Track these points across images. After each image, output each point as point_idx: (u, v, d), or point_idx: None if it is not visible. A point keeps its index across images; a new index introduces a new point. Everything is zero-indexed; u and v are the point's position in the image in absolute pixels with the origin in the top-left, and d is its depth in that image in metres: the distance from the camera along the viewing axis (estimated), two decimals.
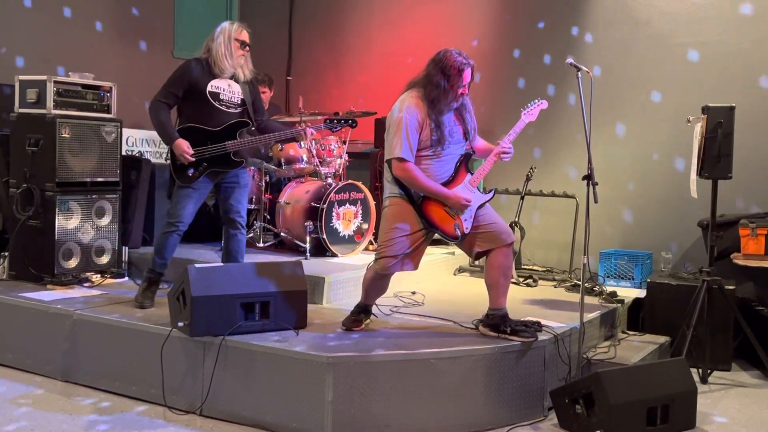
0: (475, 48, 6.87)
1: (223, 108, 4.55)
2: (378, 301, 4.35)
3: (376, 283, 4.17)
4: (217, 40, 4.54)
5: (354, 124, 4.87)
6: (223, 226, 4.74)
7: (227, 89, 4.57)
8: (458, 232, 4.03)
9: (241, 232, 4.71)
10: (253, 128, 4.66)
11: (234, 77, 4.60)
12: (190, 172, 4.52)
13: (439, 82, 3.91)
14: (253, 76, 4.70)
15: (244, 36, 4.61)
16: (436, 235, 4.10)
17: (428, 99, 3.94)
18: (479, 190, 4.09)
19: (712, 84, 5.86)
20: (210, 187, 4.64)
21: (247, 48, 4.63)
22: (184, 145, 4.45)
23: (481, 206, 4.08)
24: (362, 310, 4.27)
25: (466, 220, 4.04)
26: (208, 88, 4.51)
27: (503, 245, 4.07)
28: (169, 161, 4.59)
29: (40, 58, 6.36)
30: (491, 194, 4.16)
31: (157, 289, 4.69)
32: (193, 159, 4.47)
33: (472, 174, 4.07)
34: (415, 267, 4.12)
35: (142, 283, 4.68)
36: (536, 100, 4.20)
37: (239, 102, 4.61)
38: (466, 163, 4.09)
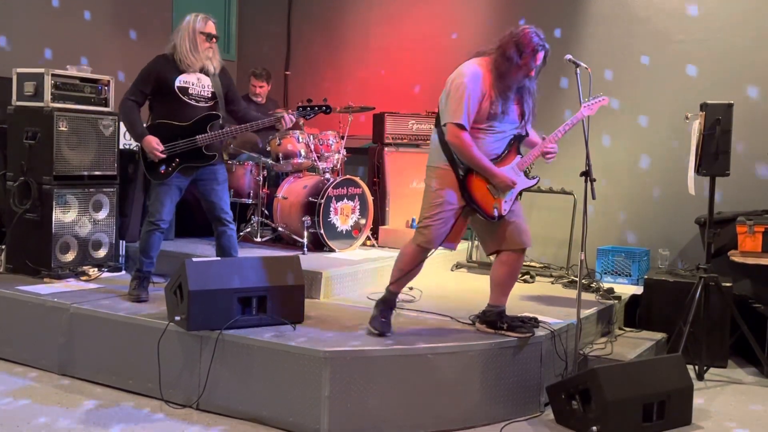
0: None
1: (192, 102, 4.52)
2: (374, 297, 4.33)
3: (415, 259, 3.96)
4: (180, 35, 4.49)
5: (328, 110, 4.77)
6: (212, 224, 4.72)
7: (196, 83, 4.54)
8: (496, 213, 3.90)
9: (230, 227, 4.69)
10: (222, 121, 4.58)
11: (203, 70, 4.56)
12: (162, 168, 4.50)
13: (511, 57, 3.73)
14: (221, 66, 4.63)
15: (210, 28, 4.53)
16: None
17: (497, 71, 3.78)
18: (525, 175, 3.98)
19: (711, 81, 5.86)
20: (186, 182, 4.60)
21: (214, 40, 4.55)
22: (153, 142, 4.42)
23: (520, 192, 3.97)
24: (390, 306, 4.08)
25: (506, 201, 3.91)
26: (177, 83, 4.47)
27: (521, 248, 4.01)
28: (140, 158, 4.57)
29: (34, 48, 6.33)
30: (536, 180, 4.03)
31: (149, 283, 4.69)
32: (164, 155, 4.45)
33: (522, 156, 3.96)
34: (456, 246, 3.98)
35: (132, 281, 4.68)
36: (599, 95, 4.08)
37: (209, 95, 4.58)
38: (517, 144, 3.95)
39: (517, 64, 3.75)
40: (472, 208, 3.89)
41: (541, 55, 3.80)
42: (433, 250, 3.98)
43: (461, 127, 3.76)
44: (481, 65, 3.83)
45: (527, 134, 4.02)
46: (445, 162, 3.88)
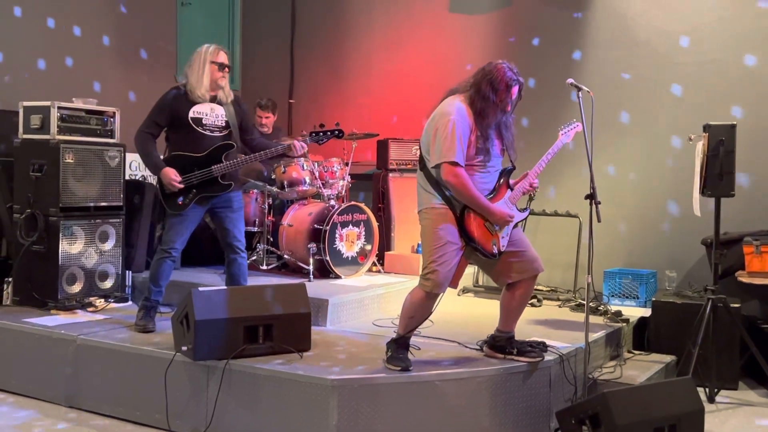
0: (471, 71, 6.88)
1: (207, 132, 4.55)
2: (380, 323, 4.32)
3: (423, 306, 3.87)
4: (193, 66, 4.54)
5: (340, 134, 4.80)
6: (224, 252, 4.73)
7: (210, 113, 4.57)
8: (495, 250, 3.86)
9: (242, 255, 4.71)
10: (235, 150, 4.60)
11: (216, 100, 4.60)
12: (180, 199, 4.52)
13: (487, 95, 3.71)
14: (234, 96, 4.67)
15: (222, 58, 4.57)
16: None
17: (474, 109, 3.75)
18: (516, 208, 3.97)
19: (713, 102, 5.88)
20: (202, 212, 4.62)
21: (227, 70, 4.59)
22: (171, 173, 4.45)
23: (514, 225, 3.95)
24: (405, 347, 3.95)
25: (503, 237, 3.88)
26: (190, 115, 4.51)
27: (534, 276, 3.99)
28: (158, 190, 4.59)
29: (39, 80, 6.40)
30: (527, 212, 4.00)
31: (156, 313, 4.69)
32: (181, 186, 4.48)
33: (512, 190, 3.95)
34: (456, 286, 3.91)
35: (139, 311, 4.68)
36: (573, 122, 4.10)
37: (223, 125, 4.61)
38: (507, 178, 3.94)
39: (493, 101, 3.73)
40: (472, 247, 3.81)
41: (515, 89, 3.77)
42: (441, 294, 3.88)
43: (457, 164, 3.70)
44: (461, 101, 3.78)
45: (515, 168, 4.00)
46: (441, 201, 3.80)
